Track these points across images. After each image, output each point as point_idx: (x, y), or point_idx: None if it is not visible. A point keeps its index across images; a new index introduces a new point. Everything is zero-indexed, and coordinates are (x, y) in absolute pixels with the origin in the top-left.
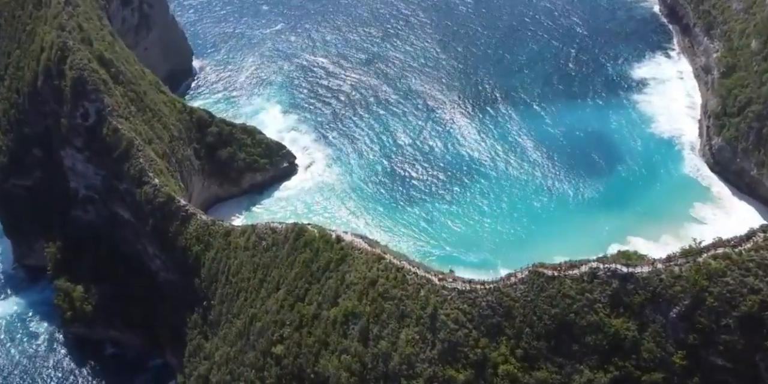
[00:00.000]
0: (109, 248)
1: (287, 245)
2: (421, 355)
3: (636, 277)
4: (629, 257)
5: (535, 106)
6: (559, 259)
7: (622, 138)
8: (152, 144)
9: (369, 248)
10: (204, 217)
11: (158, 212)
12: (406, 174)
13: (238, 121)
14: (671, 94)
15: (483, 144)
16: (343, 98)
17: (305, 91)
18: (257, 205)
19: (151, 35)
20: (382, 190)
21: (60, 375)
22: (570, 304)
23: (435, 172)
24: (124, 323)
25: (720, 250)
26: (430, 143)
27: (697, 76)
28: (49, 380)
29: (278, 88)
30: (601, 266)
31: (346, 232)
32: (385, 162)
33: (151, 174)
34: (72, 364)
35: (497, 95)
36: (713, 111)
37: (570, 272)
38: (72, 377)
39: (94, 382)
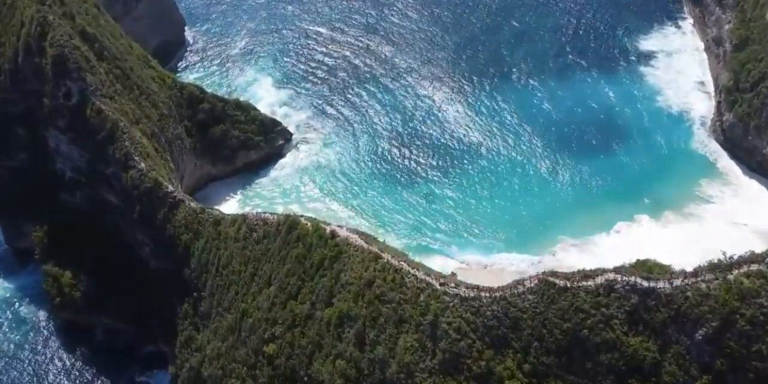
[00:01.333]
0: (98, 233)
1: (279, 239)
2: (420, 365)
3: (658, 293)
4: (650, 269)
5: (537, 81)
6: (564, 239)
7: (628, 113)
8: (140, 124)
9: (365, 246)
10: (193, 204)
11: (145, 198)
12: (403, 155)
13: (230, 95)
14: (680, 67)
15: (483, 124)
16: (338, 72)
17: (301, 62)
18: (251, 186)
19: (141, 5)
20: (377, 172)
21: (50, 362)
22: (583, 319)
23: (433, 153)
24: (114, 311)
25: (754, 267)
26: (428, 123)
27: (707, 49)
28: (38, 366)
29: (273, 59)
30: (619, 278)
31: (341, 227)
32: (381, 142)
33: (137, 158)
34: (62, 350)
35: (499, 70)
36: (725, 86)
37: (584, 283)
38: (64, 363)
39: (84, 368)
